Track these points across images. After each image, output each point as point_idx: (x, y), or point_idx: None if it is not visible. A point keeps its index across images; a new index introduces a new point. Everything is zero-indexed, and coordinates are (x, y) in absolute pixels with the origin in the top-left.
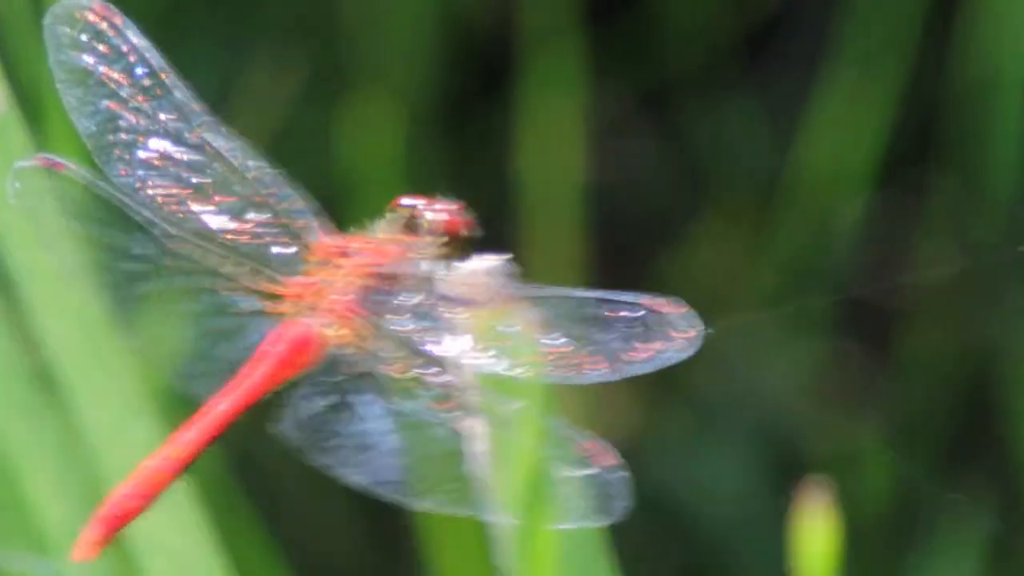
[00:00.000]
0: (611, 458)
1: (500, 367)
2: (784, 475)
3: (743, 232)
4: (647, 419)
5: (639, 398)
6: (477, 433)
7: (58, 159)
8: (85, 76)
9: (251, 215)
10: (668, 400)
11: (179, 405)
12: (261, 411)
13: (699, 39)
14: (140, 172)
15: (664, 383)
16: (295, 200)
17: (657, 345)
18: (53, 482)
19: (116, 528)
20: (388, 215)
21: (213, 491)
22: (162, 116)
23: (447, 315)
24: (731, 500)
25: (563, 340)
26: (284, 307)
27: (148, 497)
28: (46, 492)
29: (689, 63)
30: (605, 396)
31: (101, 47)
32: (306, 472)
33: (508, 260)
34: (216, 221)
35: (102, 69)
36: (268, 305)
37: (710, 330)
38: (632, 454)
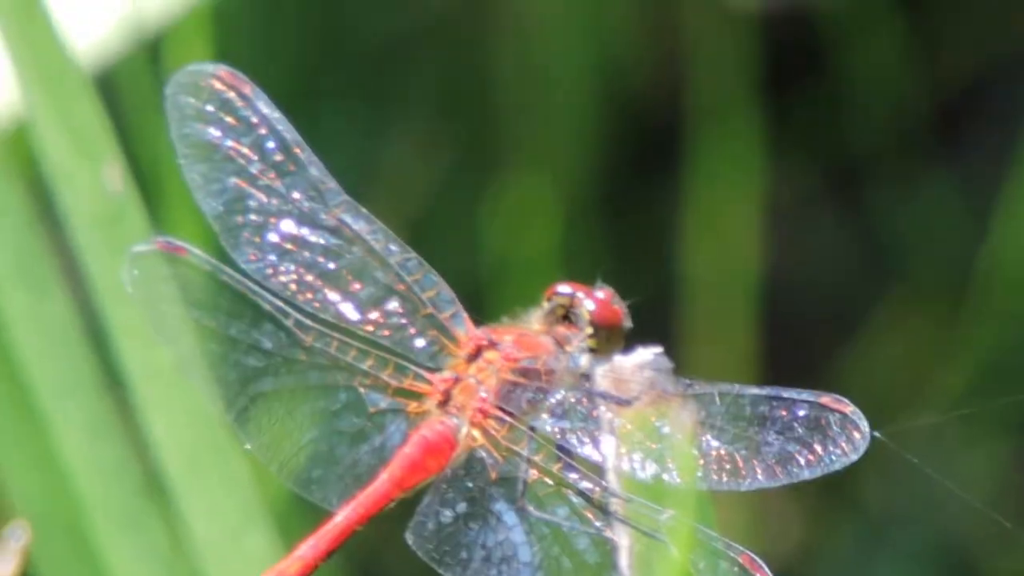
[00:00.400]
0: (764, 573)
1: (651, 472)
2: None
3: (931, 325)
4: (813, 531)
5: (805, 508)
6: (623, 546)
7: (179, 243)
8: (211, 151)
9: (393, 305)
10: (837, 511)
11: (300, 516)
12: (387, 519)
13: (889, 111)
14: (271, 257)
15: (834, 491)
16: (440, 288)
17: (818, 448)
18: None
19: None
20: (542, 305)
21: None
22: (295, 195)
23: (597, 414)
24: None
25: (721, 442)
26: (426, 405)
27: None
28: None
29: (877, 138)
30: (768, 505)
31: (228, 119)
32: None
33: (662, 353)
34: (354, 311)
35: (229, 143)
36: (408, 404)
37: (877, 433)
38: (795, 570)
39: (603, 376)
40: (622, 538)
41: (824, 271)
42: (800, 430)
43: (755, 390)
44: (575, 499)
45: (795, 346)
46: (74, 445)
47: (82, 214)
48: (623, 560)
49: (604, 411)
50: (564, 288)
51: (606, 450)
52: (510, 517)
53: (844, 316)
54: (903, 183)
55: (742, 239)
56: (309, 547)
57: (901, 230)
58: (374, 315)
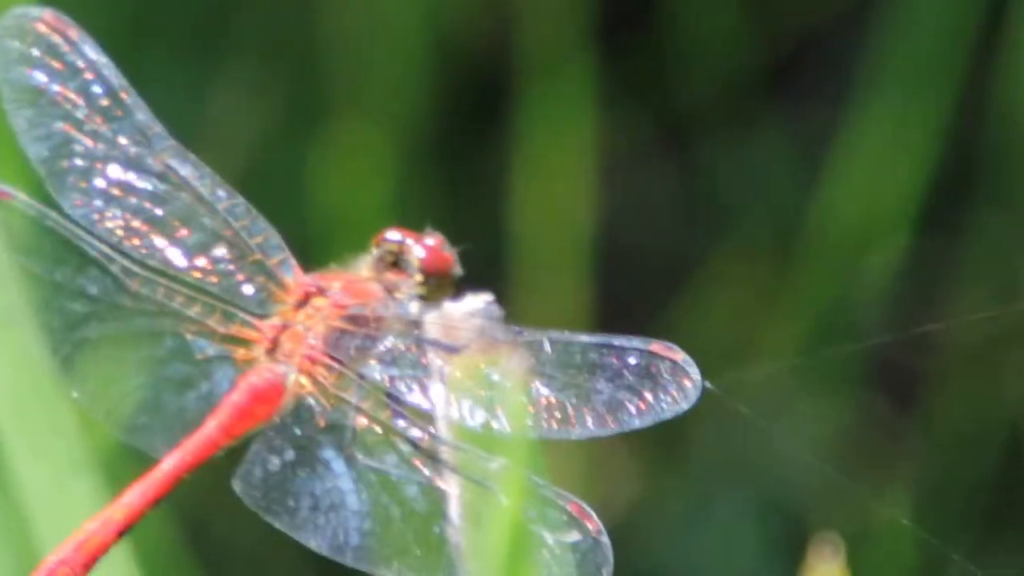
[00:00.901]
0: (593, 522)
1: (481, 420)
2: (793, 550)
3: (763, 277)
4: (645, 485)
5: (637, 461)
6: (452, 494)
7: (4, 187)
8: (36, 95)
9: (220, 251)
10: (669, 464)
11: (127, 462)
12: (215, 468)
13: (720, 65)
14: (97, 202)
15: (665, 444)
16: (268, 234)
17: (648, 396)
18: None
19: None
20: (371, 251)
21: (159, 558)
22: (122, 140)
23: (427, 361)
24: (736, 573)
25: (551, 389)
26: (255, 352)
27: (85, 565)
28: None
29: (708, 91)
30: (599, 458)
31: (54, 63)
32: (264, 536)
33: (492, 301)
34: (182, 257)
35: (56, 88)
36: (237, 350)
37: (708, 384)
38: (627, 523)
39: (432, 323)
40: (452, 487)
41: (656, 223)
42: (631, 378)
43: (586, 337)
44: (404, 447)
45: (627, 299)
46: None
47: None
48: (453, 509)
49: (434, 359)
50: (393, 234)
51: (436, 398)
52: (338, 465)
53: (676, 269)
54: (735, 135)
55: (574, 190)
56: (135, 494)
57: (733, 182)
58: (201, 261)
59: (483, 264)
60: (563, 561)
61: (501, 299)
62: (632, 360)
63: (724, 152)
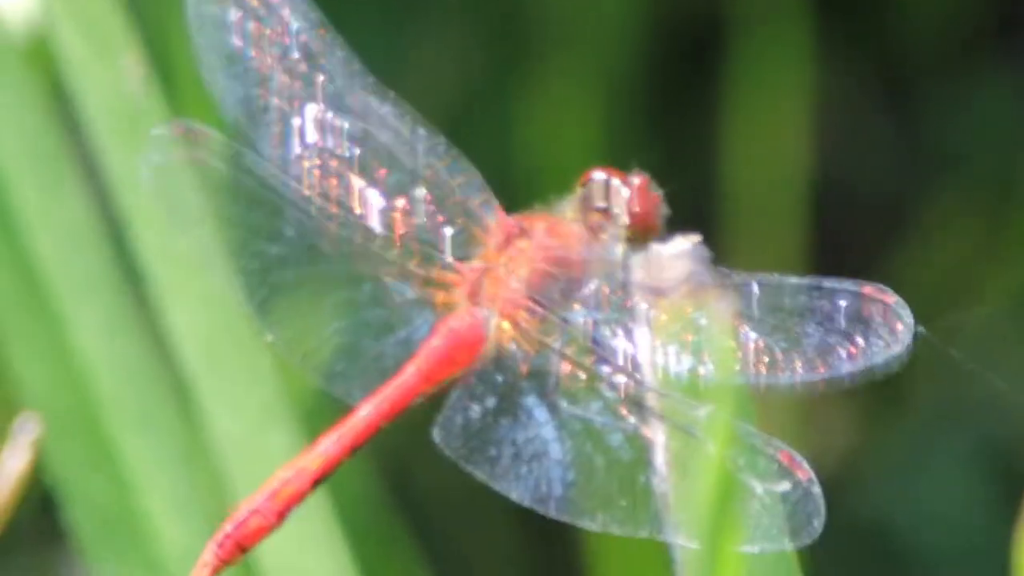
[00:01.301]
0: (804, 471)
1: (688, 365)
2: (1014, 499)
3: (982, 228)
4: (861, 434)
5: (853, 409)
6: (658, 443)
7: (198, 126)
8: (229, 32)
9: (420, 192)
10: (886, 412)
11: (322, 408)
12: (416, 416)
13: (943, 12)
14: (294, 142)
15: (882, 392)
16: (471, 175)
17: (860, 339)
18: (177, 496)
19: (242, 549)
20: (576, 192)
21: (357, 509)
22: (320, 78)
23: (633, 305)
24: (953, 526)
25: (759, 333)
26: (455, 296)
27: (280, 515)
28: (168, 506)
29: (931, 38)
30: (812, 407)
31: (251, 1)
32: (465, 486)
33: (700, 243)
34: (380, 198)
35: (250, 24)
36: (437, 294)
37: (921, 329)
38: (843, 473)
39: (639, 266)
40: (657, 435)
41: (875, 173)
42: (841, 321)
43: (795, 280)
44: (609, 394)
45: (844, 248)
46: (90, 340)
47: (101, 108)
48: (659, 457)
49: (639, 302)
50: (598, 175)
51: (641, 343)
52: (541, 413)
53: (895, 219)
54: (956, 85)
55: (788, 138)
56: (332, 442)
57: (954, 132)
58: (400, 202)
59: (694, 212)
60: (773, 511)
61: (711, 245)
62: (843, 303)
63: (945, 102)
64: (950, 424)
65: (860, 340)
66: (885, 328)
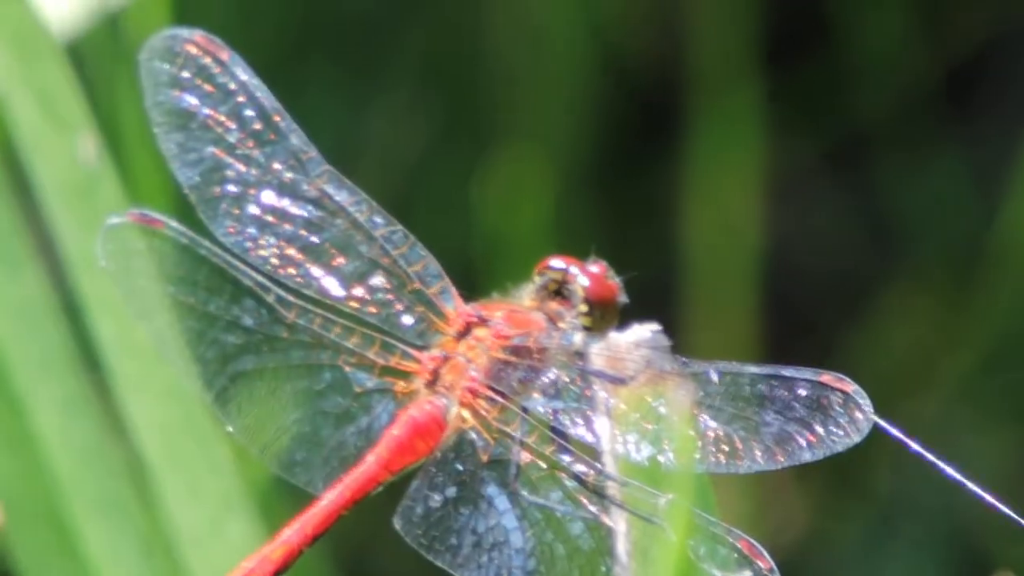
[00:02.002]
0: (765, 561)
1: (648, 454)
2: None
3: (941, 305)
4: (819, 521)
5: (812, 496)
6: (619, 531)
7: (155, 215)
8: (187, 119)
9: (378, 280)
10: (844, 499)
11: (282, 500)
12: (372, 504)
13: (893, 84)
14: (251, 230)
15: (841, 479)
16: (428, 262)
17: (819, 428)
18: None
19: None
20: (534, 280)
21: None
22: (275, 165)
23: (592, 394)
24: None
25: (718, 422)
26: (414, 385)
27: None
28: None
29: (882, 112)
30: (773, 494)
31: (205, 85)
32: (427, 572)
33: (659, 331)
34: (338, 287)
35: (206, 111)
36: (396, 383)
37: (881, 422)
38: (800, 557)
39: (598, 354)
40: (618, 523)
41: (828, 248)
42: (800, 410)
43: (754, 368)
44: (569, 483)
45: (797, 326)
46: (49, 425)
47: (56, 186)
48: (620, 546)
49: (599, 391)
50: (556, 262)
51: (601, 431)
52: (502, 501)
53: (849, 295)
54: (911, 157)
55: (743, 214)
56: (294, 531)
57: (909, 206)
58: (359, 291)
59: (649, 289)
60: None
61: (668, 325)
62: (802, 392)
63: (900, 173)
64: (908, 509)
65: (820, 429)
66: (844, 416)
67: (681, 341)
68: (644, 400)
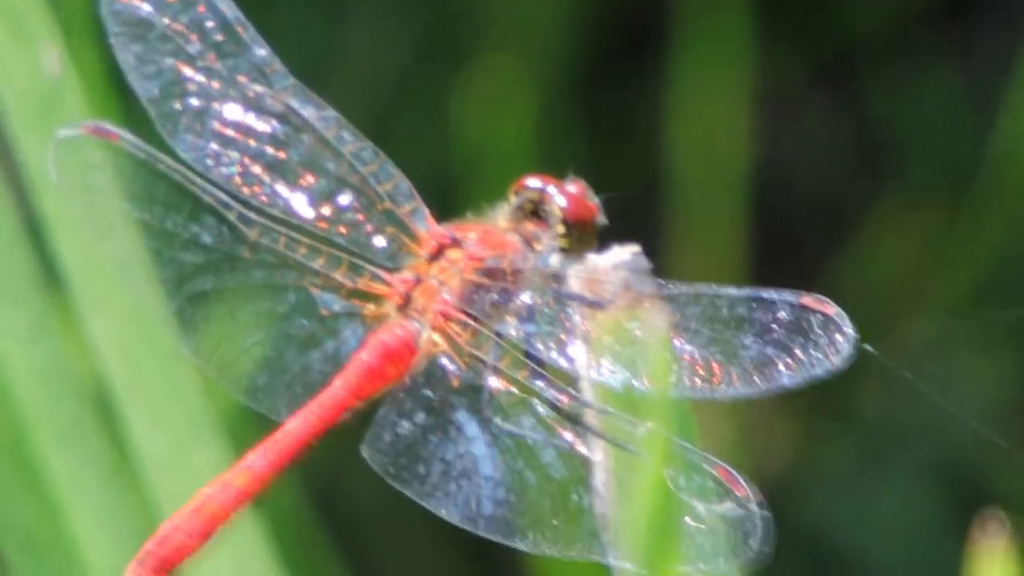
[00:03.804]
0: (741, 488)
1: (623, 379)
2: (963, 514)
3: (932, 224)
4: (805, 448)
5: (796, 422)
6: (596, 461)
7: (109, 127)
8: (144, 29)
9: (346, 199)
10: (830, 425)
11: (248, 425)
12: (344, 432)
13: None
14: (212, 146)
15: (826, 404)
16: (399, 180)
17: (799, 352)
18: (100, 513)
19: (168, 568)
20: (510, 200)
21: (285, 527)
22: (239, 79)
23: (567, 318)
24: (900, 542)
25: (695, 345)
26: (384, 308)
27: (205, 534)
28: (92, 524)
29: (874, 25)
30: (759, 422)
31: None
32: (394, 504)
33: (639, 253)
34: (304, 205)
35: (165, 21)
36: (364, 306)
37: (868, 347)
38: (786, 487)
39: (575, 277)
40: (595, 453)
41: (817, 166)
42: (780, 333)
43: (733, 291)
44: (543, 409)
45: (786, 245)
46: (9, 348)
47: (16, 99)
48: (597, 476)
49: (575, 315)
50: (533, 181)
51: (577, 357)
52: (472, 428)
53: (838, 214)
54: (903, 73)
55: (730, 131)
56: (258, 457)
57: (900, 123)
58: (326, 210)
59: (632, 209)
60: (715, 532)
61: (650, 247)
62: (782, 314)
63: (891, 90)
64: (894, 436)
65: (800, 352)
66: (825, 340)
67: (665, 262)
68: (621, 324)
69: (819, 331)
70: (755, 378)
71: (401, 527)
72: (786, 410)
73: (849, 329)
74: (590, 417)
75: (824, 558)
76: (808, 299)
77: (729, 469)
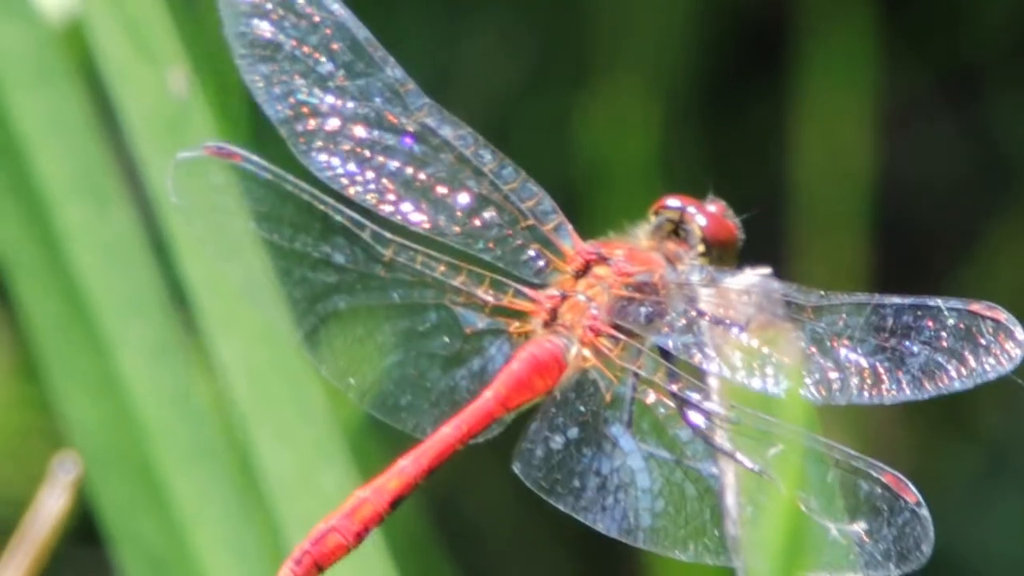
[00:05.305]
0: (911, 495)
1: (768, 389)
2: None
3: None
4: (926, 460)
5: (917, 433)
6: (732, 474)
7: (231, 148)
8: (272, 51)
9: (489, 216)
10: (953, 437)
11: (374, 445)
12: (471, 449)
13: (1011, 12)
14: (347, 165)
15: (949, 416)
16: (541, 197)
17: (969, 358)
18: (227, 534)
19: (318, 568)
20: (650, 219)
21: (403, 538)
22: (372, 99)
23: (711, 333)
24: (1016, 558)
25: (863, 354)
26: (530, 324)
27: (357, 534)
28: (218, 546)
29: (998, 41)
30: (876, 431)
31: (291, 16)
32: (519, 522)
33: (770, 275)
34: (446, 223)
35: (292, 42)
36: (509, 323)
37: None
38: None
39: (709, 298)
40: (727, 474)
41: (943, 181)
42: (949, 340)
43: (897, 299)
44: (696, 421)
45: (908, 260)
46: (136, 369)
47: (145, 121)
48: (730, 497)
49: (714, 334)
50: (673, 201)
51: (716, 374)
52: (626, 442)
53: (961, 230)
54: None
55: (854, 148)
56: (409, 462)
57: (1021, 138)
58: (469, 228)
59: (758, 224)
60: (846, 552)
61: (777, 261)
62: (951, 321)
63: (1015, 104)
64: (1017, 450)
65: (970, 358)
66: (996, 345)
67: (790, 275)
68: (755, 346)
69: (990, 336)
70: (925, 384)
71: (520, 541)
72: (908, 421)
73: (1021, 334)
74: (729, 434)
75: (944, 573)
76: (977, 306)
77: (896, 475)
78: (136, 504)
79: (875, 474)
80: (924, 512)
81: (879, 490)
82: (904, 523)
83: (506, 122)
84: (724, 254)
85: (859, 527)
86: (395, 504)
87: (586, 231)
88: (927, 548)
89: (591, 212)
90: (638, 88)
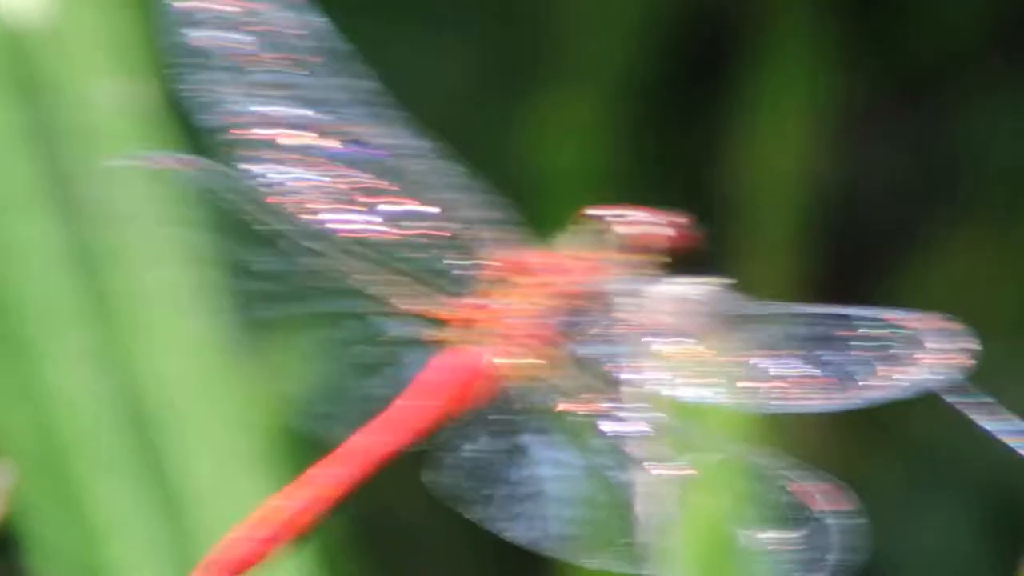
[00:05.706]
0: (839, 501)
1: (698, 405)
2: (1015, 537)
3: (1001, 243)
4: (852, 466)
5: (843, 441)
6: (644, 482)
7: (168, 155)
8: (205, 59)
9: (408, 223)
10: (878, 444)
11: (302, 454)
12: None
13: (961, 22)
14: (282, 170)
15: (874, 423)
16: (468, 203)
17: (901, 368)
18: (145, 545)
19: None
20: (582, 227)
21: (334, 556)
22: (306, 106)
23: (639, 344)
24: (943, 565)
25: (804, 363)
26: (449, 334)
27: (270, 542)
28: (136, 556)
29: (947, 48)
30: (803, 438)
31: (224, 23)
32: (442, 531)
33: (716, 283)
34: (371, 229)
35: (226, 50)
36: (428, 332)
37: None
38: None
39: (651, 304)
40: (641, 480)
41: (887, 187)
42: (886, 349)
43: (827, 309)
44: (611, 431)
45: (853, 266)
46: (63, 377)
47: (74, 129)
48: (661, 497)
49: (648, 341)
50: (608, 210)
51: (647, 383)
52: (538, 450)
53: (909, 235)
54: (978, 94)
55: (800, 153)
56: (322, 470)
57: (974, 142)
58: (393, 235)
59: (702, 229)
60: (770, 562)
61: (722, 268)
62: (884, 332)
63: (963, 111)
64: (942, 458)
65: (913, 367)
66: (941, 353)
67: (733, 286)
68: (695, 352)
69: (925, 346)
70: (854, 393)
71: (450, 548)
72: (831, 430)
73: (953, 344)
74: (653, 442)
75: None
76: (910, 316)
77: (827, 483)
78: (58, 511)
79: (801, 482)
80: (853, 521)
81: (804, 498)
82: (831, 531)
83: (451, 128)
84: (657, 262)
85: (784, 535)
86: (313, 512)
87: (532, 239)
88: (855, 556)
89: (538, 220)
90: (585, 96)
